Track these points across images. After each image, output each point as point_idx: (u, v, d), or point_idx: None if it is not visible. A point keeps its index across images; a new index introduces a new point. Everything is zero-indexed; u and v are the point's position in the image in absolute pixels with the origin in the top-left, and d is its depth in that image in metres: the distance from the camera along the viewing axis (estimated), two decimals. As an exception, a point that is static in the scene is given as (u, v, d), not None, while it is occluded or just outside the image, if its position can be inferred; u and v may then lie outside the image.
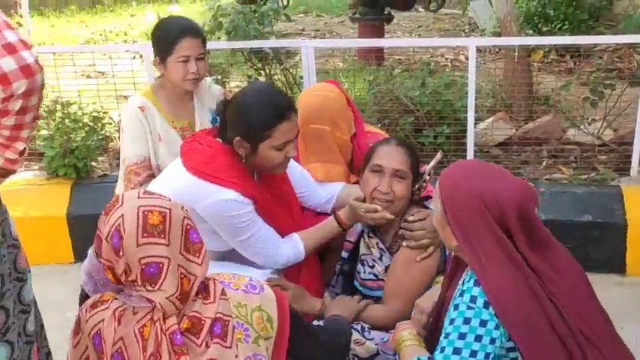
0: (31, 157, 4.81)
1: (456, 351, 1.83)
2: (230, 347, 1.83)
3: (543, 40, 5.28)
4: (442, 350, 1.86)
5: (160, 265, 1.78)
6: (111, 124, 5.00)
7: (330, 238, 2.65)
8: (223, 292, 1.89)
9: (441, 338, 1.89)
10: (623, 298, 3.72)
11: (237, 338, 1.84)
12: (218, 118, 2.49)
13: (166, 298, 1.79)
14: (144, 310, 1.85)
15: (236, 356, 1.83)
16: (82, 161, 4.38)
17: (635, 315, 3.55)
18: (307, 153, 2.86)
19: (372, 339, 2.42)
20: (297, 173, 2.77)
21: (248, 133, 2.39)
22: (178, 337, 1.80)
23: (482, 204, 1.87)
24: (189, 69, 2.96)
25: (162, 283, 1.79)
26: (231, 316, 1.85)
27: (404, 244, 2.54)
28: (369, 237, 2.65)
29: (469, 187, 1.90)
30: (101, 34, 9.50)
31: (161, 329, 1.81)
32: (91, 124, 4.76)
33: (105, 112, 5.00)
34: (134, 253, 1.77)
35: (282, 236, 2.61)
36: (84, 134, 4.43)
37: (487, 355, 1.83)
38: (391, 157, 2.53)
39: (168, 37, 2.97)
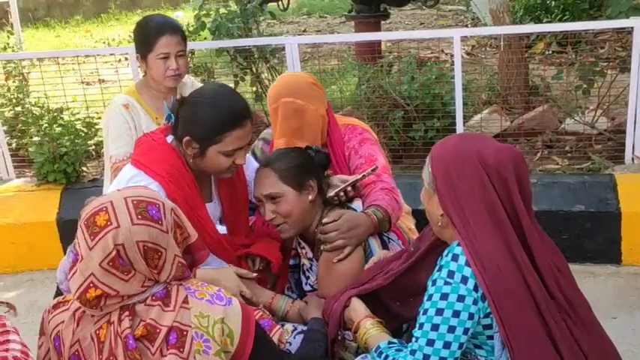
0: (22, 164, 4.82)
1: (434, 327, 1.80)
2: (187, 358, 1.77)
3: (529, 29, 5.12)
4: (420, 327, 1.83)
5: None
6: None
7: None
8: (185, 300, 1.82)
9: (420, 315, 1.86)
10: (619, 287, 3.64)
11: (196, 350, 1.77)
12: (172, 115, 2.43)
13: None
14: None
15: None
16: (71, 166, 4.38)
17: (632, 304, 3.47)
18: (276, 129, 2.77)
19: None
20: None
21: (198, 134, 2.32)
22: (131, 341, 1.76)
23: (480, 163, 1.85)
24: (169, 65, 3.01)
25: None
26: (190, 326, 1.79)
27: (321, 247, 2.46)
28: (300, 247, 2.60)
29: (464, 149, 1.89)
30: (104, 42, 9.55)
31: (116, 332, 1.77)
32: (84, 129, 4.76)
33: (99, 118, 5.00)
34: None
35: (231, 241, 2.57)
36: (72, 139, 4.42)
37: (466, 330, 1.80)
38: (260, 184, 2.49)
39: (147, 34, 3.03)
